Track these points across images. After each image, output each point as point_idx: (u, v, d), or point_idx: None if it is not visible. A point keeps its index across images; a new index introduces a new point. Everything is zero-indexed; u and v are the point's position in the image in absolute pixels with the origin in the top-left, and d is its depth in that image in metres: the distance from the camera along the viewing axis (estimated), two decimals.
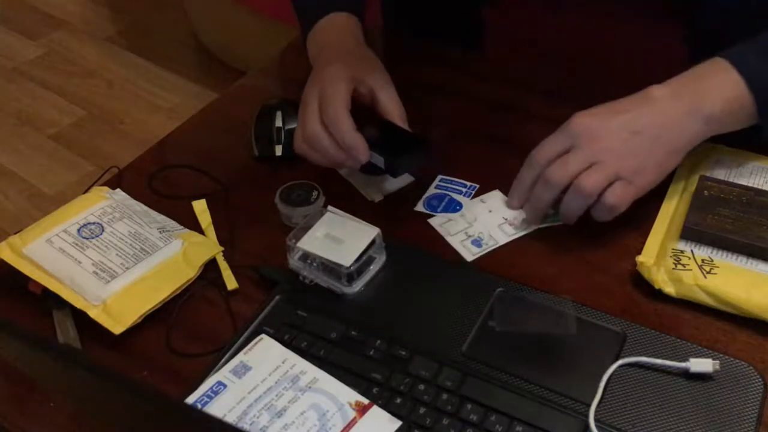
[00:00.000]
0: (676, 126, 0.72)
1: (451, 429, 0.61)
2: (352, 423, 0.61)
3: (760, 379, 0.63)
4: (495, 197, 0.81)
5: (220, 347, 0.68)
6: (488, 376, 0.64)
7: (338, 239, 0.72)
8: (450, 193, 0.82)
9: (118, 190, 0.84)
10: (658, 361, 0.64)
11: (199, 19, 2.39)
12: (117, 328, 0.69)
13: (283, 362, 0.65)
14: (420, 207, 0.80)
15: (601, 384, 0.62)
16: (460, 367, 0.65)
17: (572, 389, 0.63)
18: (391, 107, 0.80)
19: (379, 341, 0.67)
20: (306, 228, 0.73)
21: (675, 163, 0.73)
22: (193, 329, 0.71)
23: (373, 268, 0.73)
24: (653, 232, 0.74)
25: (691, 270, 0.69)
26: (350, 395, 0.63)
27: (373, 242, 0.72)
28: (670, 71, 0.76)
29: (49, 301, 0.72)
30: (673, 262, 0.70)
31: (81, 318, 0.71)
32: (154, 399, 0.40)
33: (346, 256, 0.70)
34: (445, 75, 0.97)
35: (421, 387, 0.64)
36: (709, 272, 0.69)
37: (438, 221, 0.79)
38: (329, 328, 0.68)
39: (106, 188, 0.83)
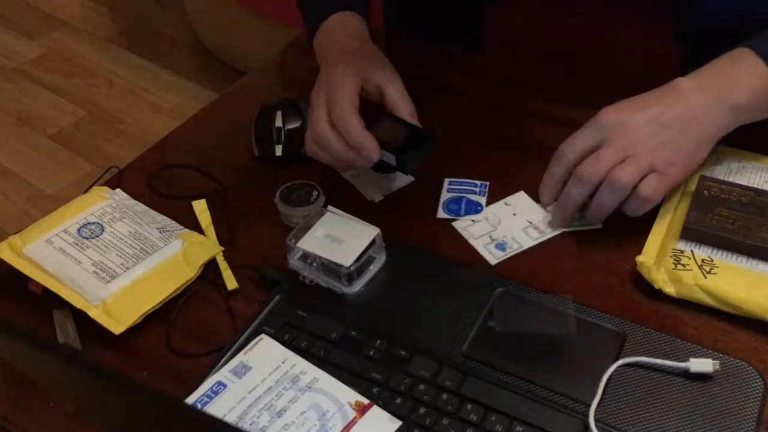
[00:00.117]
0: (705, 117, 0.72)
1: (451, 429, 0.61)
2: (352, 423, 0.61)
3: (760, 379, 0.63)
4: (519, 199, 0.80)
5: (220, 347, 0.68)
6: (488, 376, 0.64)
7: (338, 239, 0.72)
8: (465, 195, 0.81)
9: (118, 190, 0.84)
10: (658, 361, 0.64)
11: (199, 19, 2.39)
12: (117, 328, 0.69)
13: (283, 362, 0.65)
14: (441, 213, 0.79)
15: (601, 384, 0.62)
16: (460, 367, 0.65)
17: (572, 389, 0.63)
18: (400, 103, 0.79)
19: (379, 341, 0.67)
20: (306, 228, 0.73)
21: (705, 153, 0.74)
22: (193, 329, 0.71)
23: (373, 268, 0.73)
24: (653, 232, 0.74)
25: (691, 270, 0.69)
26: (350, 395, 0.63)
27: (373, 242, 0.72)
28: (668, 70, 0.76)
29: (49, 301, 0.72)
30: (673, 262, 0.70)
31: (81, 318, 0.71)
32: (154, 399, 0.40)
33: (346, 256, 0.70)
34: (445, 75, 0.97)
35: (421, 387, 0.64)
36: (709, 272, 0.69)
37: (462, 224, 0.78)
38: (329, 328, 0.69)
39: (106, 188, 0.83)
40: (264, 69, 1.05)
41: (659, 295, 0.70)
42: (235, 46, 2.25)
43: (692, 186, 0.76)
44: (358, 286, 0.72)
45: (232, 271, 0.76)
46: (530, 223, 0.78)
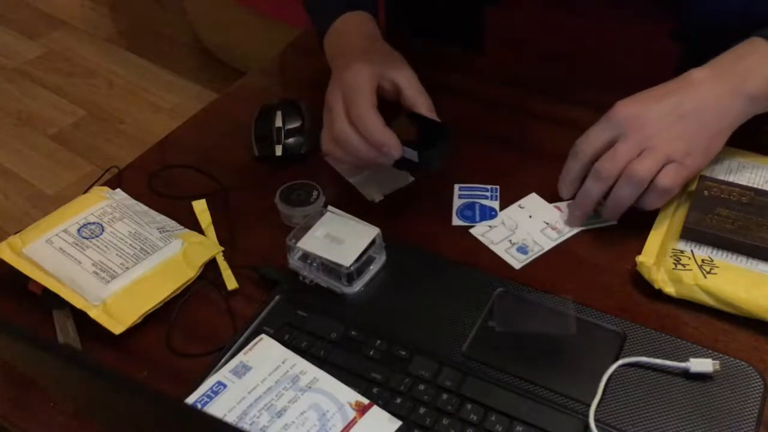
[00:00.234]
0: (721, 107, 0.72)
1: (451, 429, 0.61)
2: (352, 423, 0.61)
3: (760, 379, 0.63)
4: (533, 201, 0.80)
5: (220, 347, 0.68)
6: (488, 376, 0.64)
7: (338, 239, 0.72)
8: (477, 200, 0.80)
9: (118, 190, 0.84)
10: (658, 361, 0.64)
11: (199, 19, 2.39)
12: (117, 328, 0.69)
13: (283, 362, 0.65)
14: (457, 221, 0.79)
15: (601, 384, 0.62)
16: (460, 367, 0.65)
17: (572, 389, 0.63)
18: (417, 99, 0.79)
19: (379, 341, 0.67)
20: (306, 228, 0.73)
21: (721, 143, 0.74)
22: (193, 329, 0.71)
23: (373, 268, 0.73)
24: (653, 232, 0.74)
25: (691, 270, 0.69)
26: (350, 395, 0.63)
27: (373, 242, 0.72)
28: (668, 70, 0.76)
29: (49, 301, 0.72)
30: (673, 262, 0.70)
31: (81, 318, 0.71)
32: (154, 399, 0.40)
33: (346, 256, 0.70)
34: (445, 75, 0.97)
35: (421, 387, 0.64)
36: (709, 272, 0.69)
37: (479, 231, 0.77)
38: (329, 328, 0.69)
39: (106, 188, 0.83)
40: (264, 69, 1.05)
41: (659, 295, 0.70)
42: (235, 46, 2.25)
43: (692, 186, 0.76)
44: (358, 286, 0.72)
45: (232, 271, 0.76)
46: (547, 224, 0.78)
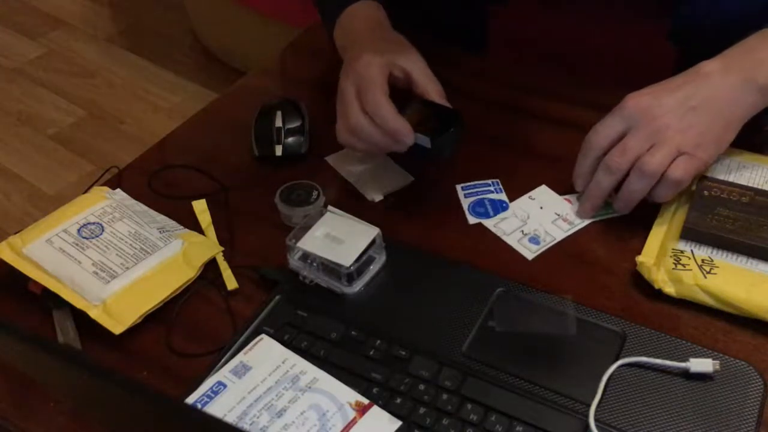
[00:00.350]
0: (732, 98, 0.73)
1: (451, 429, 0.61)
2: (352, 423, 0.61)
3: (760, 379, 0.63)
4: (543, 193, 0.81)
5: (220, 347, 0.68)
6: (488, 376, 0.64)
7: (338, 239, 0.72)
8: (484, 196, 0.81)
9: (118, 190, 0.84)
10: (658, 361, 0.64)
11: (199, 19, 2.39)
12: (117, 328, 0.69)
13: (283, 362, 0.65)
14: (472, 219, 0.79)
15: (601, 384, 0.62)
16: (460, 367, 0.65)
17: (572, 389, 0.63)
18: (428, 86, 0.80)
19: (379, 341, 0.67)
20: (306, 228, 0.73)
21: (733, 135, 0.74)
22: (193, 329, 0.71)
23: (373, 268, 0.73)
24: (653, 232, 0.74)
25: (691, 270, 0.69)
26: (350, 395, 0.63)
27: (373, 242, 0.72)
28: (668, 70, 0.76)
29: (49, 301, 0.72)
30: (673, 262, 0.70)
31: (81, 318, 0.71)
32: (154, 399, 0.40)
33: (346, 256, 0.70)
34: (446, 75, 0.97)
35: (421, 387, 0.64)
36: (709, 272, 0.69)
37: (491, 222, 0.78)
38: (329, 328, 0.68)
39: (106, 188, 0.83)
40: (264, 69, 1.05)
41: (659, 295, 0.70)
42: (235, 46, 2.25)
43: (692, 186, 0.76)
44: (358, 286, 0.72)
45: (232, 271, 0.76)
46: (558, 215, 0.78)
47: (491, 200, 0.80)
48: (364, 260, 0.72)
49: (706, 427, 0.60)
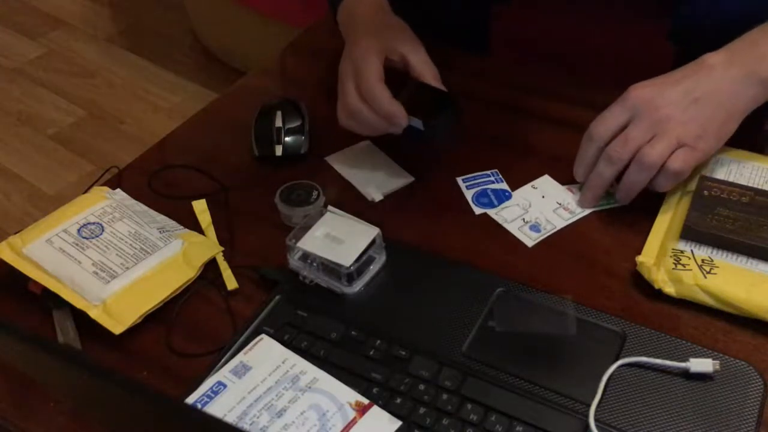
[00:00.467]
0: (734, 91, 0.73)
1: (451, 429, 0.61)
2: (352, 423, 0.61)
3: (760, 379, 0.63)
4: (545, 182, 0.81)
5: (220, 347, 0.68)
6: (488, 376, 0.64)
7: (338, 239, 0.72)
8: (486, 186, 0.82)
9: (118, 190, 0.84)
10: (658, 361, 0.64)
11: (199, 19, 2.39)
12: (117, 328, 0.69)
13: (283, 362, 0.65)
14: (478, 210, 0.80)
15: (601, 384, 0.62)
16: (460, 367, 0.65)
17: (572, 389, 0.63)
18: (424, 69, 0.82)
19: (379, 341, 0.67)
20: (306, 228, 0.73)
21: (734, 127, 0.74)
22: (193, 329, 0.71)
23: (373, 268, 0.73)
24: (653, 232, 0.74)
25: (691, 270, 0.69)
26: (350, 395, 0.63)
27: (373, 242, 0.72)
28: (668, 69, 0.76)
29: (49, 301, 0.72)
30: (673, 262, 0.70)
31: (81, 318, 0.71)
32: (154, 399, 0.40)
33: (346, 256, 0.70)
34: (446, 75, 0.97)
35: (421, 387, 0.64)
36: (709, 272, 0.69)
37: (494, 211, 0.79)
38: (329, 328, 0.68)
39: (106, 188, 0.83)
40: (264, 69, 1.05)
41: (659, 295, 0.70)
42: (235, 46, 2.25)
43: (692, 186, 0.76)
44: (358, 286, 0.72)
45: (232, 271, 0.76)
46: (560, 204, 0.79)
47: (494, 190, 0.81)
48: (364, 260, 0.72)
49: (706, 427, 0.60)
